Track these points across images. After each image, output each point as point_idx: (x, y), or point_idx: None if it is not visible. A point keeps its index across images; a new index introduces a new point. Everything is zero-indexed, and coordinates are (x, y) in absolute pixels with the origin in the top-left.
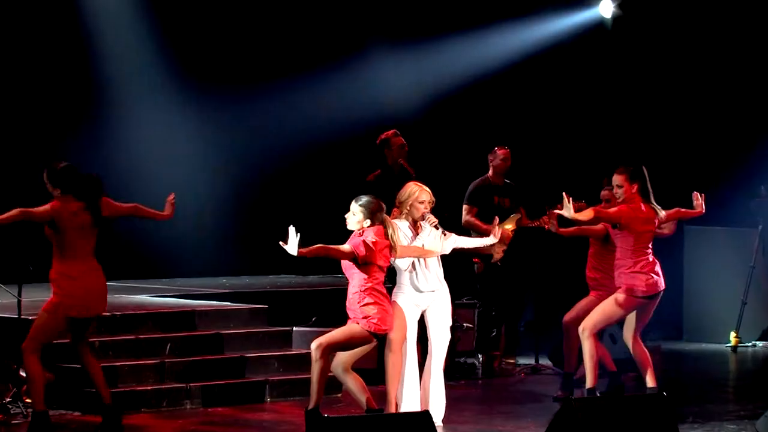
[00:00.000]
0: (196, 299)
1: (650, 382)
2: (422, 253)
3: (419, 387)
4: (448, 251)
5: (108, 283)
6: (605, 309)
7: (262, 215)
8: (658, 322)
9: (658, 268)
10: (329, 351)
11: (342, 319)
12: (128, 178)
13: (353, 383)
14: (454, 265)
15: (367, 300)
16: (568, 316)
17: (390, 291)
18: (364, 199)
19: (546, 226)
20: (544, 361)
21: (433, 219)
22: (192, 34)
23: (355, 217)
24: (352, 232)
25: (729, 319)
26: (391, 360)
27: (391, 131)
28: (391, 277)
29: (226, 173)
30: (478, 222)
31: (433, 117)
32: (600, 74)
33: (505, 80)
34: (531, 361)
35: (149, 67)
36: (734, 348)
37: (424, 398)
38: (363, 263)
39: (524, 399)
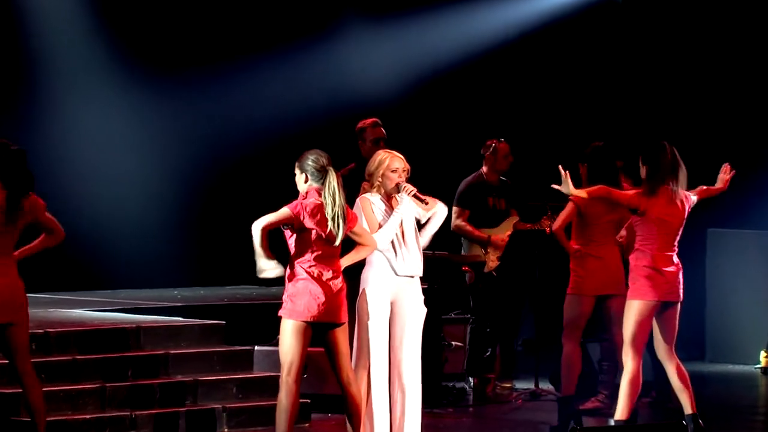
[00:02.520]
0: (142, 314)
1: (688, 408)
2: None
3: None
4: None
5: (40, 296)
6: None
7: (220, 217)
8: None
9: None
10: (296, 373)
11: (313, 338)
12: (61, 173)
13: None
14: (441, 275)
15: (293, 273)
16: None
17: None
18: (304, 156)
19: (547, 230)
20: (545, 385)
21: (411, 188)
22: (137, 7)
23: (299, 177)
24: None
25: (758, 336)
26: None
27: (370, 120)
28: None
29: (178, 168)
30: (470, 227)
31: (416, 102)
32: (610, 54)
33: (501, 60)
34: (530, 385)
35: (85, 43)
36: (764, 370)
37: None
38: (298, 228)
39: (522, 429)
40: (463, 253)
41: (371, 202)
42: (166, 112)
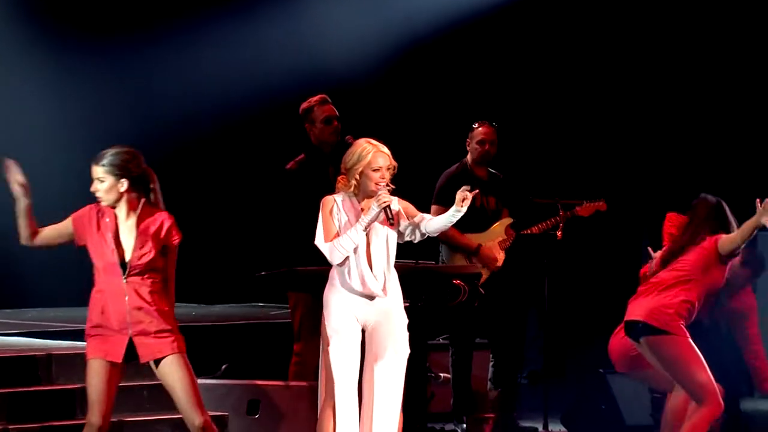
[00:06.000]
0: (54, 338)
1: None
2: None
3: None
4: (417, 240)
5: None
6: None
7: None
8: (719, 374)
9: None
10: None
11: (266, 364)
12: None
13: None
14: (426, 290)
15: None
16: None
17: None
18: (109, 154)
19: (559, 233)
20: (556, 427)
21: (385, 198)
22: None
23: (104, 183)
24: None
25: None
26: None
27: (317, 97)
28: None
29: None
30: (453, 231)
31: (392, 77)
32: (626, 20)
33: (495, 26)
34: (538, 425)
35: None
36: None
37: None
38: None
39: None
40: (442, 260)
41: (335, 203)
42: (84, 88)
